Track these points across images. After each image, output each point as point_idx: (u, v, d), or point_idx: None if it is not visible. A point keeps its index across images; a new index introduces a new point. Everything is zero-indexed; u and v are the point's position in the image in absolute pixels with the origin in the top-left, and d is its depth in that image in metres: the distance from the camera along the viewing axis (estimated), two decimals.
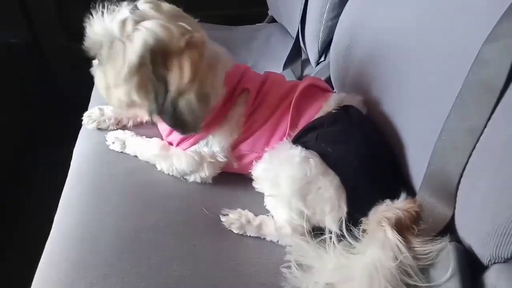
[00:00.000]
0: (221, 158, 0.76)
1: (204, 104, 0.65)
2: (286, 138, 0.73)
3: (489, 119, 0.52)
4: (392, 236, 0.56)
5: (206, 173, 0.77)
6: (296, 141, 0.71)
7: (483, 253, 0.52)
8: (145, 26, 0.63)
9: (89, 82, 0.78)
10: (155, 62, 0.63)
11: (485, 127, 0.52)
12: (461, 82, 0.55)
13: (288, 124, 0.74)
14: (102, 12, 0.65)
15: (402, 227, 0.58)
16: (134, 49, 0.63)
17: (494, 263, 0.50)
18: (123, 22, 0.63)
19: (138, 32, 0.63)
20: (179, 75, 0.63)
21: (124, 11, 0.64)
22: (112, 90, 0.68)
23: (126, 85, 0.65)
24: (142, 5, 0.65)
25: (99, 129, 0.87)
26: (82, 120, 0.88)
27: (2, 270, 1.04)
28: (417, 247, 0.56)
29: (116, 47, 0.64)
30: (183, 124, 0.67)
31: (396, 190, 0.63)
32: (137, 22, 0.63)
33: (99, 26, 0.65)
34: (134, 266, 0.61)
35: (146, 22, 0.63)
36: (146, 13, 0.64)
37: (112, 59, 0.65)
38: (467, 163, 0.55)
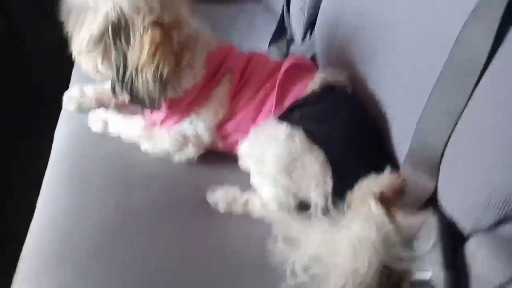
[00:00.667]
0: (205, 138, 0.76)
1: (160, 86, 0.65)
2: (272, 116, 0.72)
3: (470, 97, 0.52)
4: (376, 209, 0.57)
5: (190, 153, 0.76)
6: (282, 118, 0.70)
7: (464, 224, 0.53)
8: (114, 0, 0.62)
9: (67, 68, 0.75)
10: (116, 36, 0.64)
11: (466, 104, 0.53)
12: (445, 58, 0.55)
13: (274, 103, 0.73)
14: None
15: (386, 201, 0.58)
16: (97, 21, 0.63)
17: (474, 233, 0.52)
18: None
19: (106, 4, 0.63)
20: (138, 53, 0.63)
21: None
22: (82, 55, 0.69)
23: (91, 53, 0.67)
24: None
25: (80, 109, 0.84)
26: (62, 101, 0.86)
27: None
28: (400, 220, 0.57)
29: (86, 15, 0.64)
30: (140, 101, 0.67)
31: (381, 165, 0.64)
32: None
33: None
34: (118, 256, 0.59)
35: None
36: None
37: (80, 26, 0.65)
38: (450, 136, 0.55)
